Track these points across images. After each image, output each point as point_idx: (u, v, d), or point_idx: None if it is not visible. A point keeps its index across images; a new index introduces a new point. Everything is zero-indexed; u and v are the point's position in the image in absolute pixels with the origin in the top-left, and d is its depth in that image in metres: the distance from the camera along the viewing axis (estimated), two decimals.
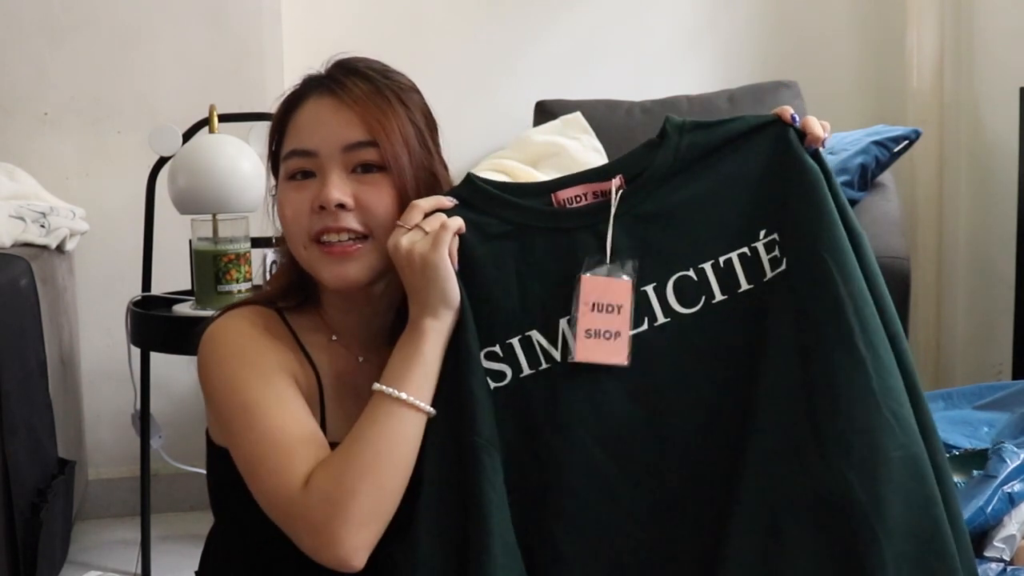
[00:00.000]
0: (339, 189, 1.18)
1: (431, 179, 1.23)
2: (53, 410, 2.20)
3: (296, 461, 1.13)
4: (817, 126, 1.16)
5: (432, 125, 1.26)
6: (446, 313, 1.16)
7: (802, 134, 1.16)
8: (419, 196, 1.20)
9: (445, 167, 1.27)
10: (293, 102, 1.24)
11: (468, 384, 1.15)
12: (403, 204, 1.20)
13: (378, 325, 1.28)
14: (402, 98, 1.23)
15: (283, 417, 1.15)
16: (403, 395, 1.13)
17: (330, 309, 1.28)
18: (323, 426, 1.23)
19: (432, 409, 1.15)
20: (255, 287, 2.34)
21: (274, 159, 1.27)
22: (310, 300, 1.28)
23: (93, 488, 2.77)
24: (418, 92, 1.27)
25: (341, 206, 1.19)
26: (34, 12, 2.68)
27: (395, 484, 1.12)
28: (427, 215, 1.17)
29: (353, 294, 1.24)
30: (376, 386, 1.15)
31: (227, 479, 1.23)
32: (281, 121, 1.25)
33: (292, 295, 1.28)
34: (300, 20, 2.98)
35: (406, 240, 1.15)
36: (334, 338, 1.27)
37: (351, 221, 1.19)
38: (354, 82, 1.21)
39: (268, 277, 2.34)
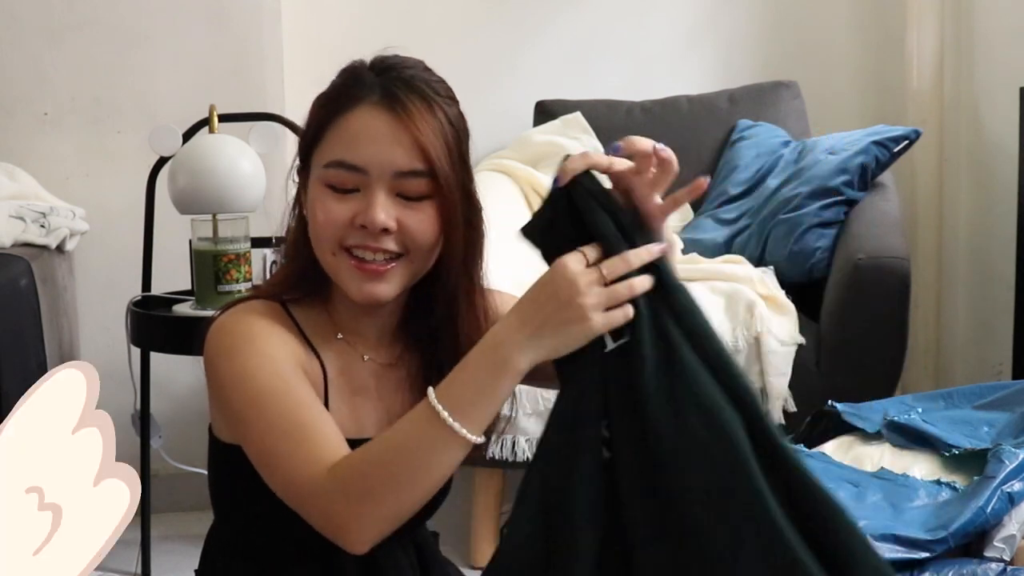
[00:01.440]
0: (386, 213, 1.15)
1: (467, 198, 1.21)
2: None
3: (312, 446, 1.10)
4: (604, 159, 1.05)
5: (467, 136, 1.23)
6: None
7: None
8: (462, 218, 1.18)
9: (473, 178, 1.24)
10: (342, 102, 1.19)
11: (578, 463, 1.03)
12: (446, 229, 1.17)
13: (386, 324, 1.27)
14: (450, 117, 1.20)
15: (296, 403, 1.13)
16: (457, 425, 1.05)
17: (340, 307, 1.25)
18: None
19: (482, 438, 1.08)
20: (255, 287, 2.34)
21: (307, 151, 1.23)
22: (316, 293, 1.25)
23: None
24: (456, 100, 1.23)
25: (384, 230, 1.16)
26: (34, 12, 2.68)
27: (418, 497, 1.09)
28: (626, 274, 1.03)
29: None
30: (432, 400, 1.07)
31: (230, 476, 1.23)
32: (324, 117, 1.20)
33: (299, 286, 1.25)
34: (300, 20, 2.98)
35: (590, 292, 1.03)
36: (339, 336, 1.26)
37: (390, 243, 1.16)
38: (412, 100, 1.17)
39: (268, 277, 2.34)
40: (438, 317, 1.24)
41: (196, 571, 1.33)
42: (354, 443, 1.20)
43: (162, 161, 2.39)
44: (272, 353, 1.16)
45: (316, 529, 1.10)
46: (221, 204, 2.22)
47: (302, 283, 1.25)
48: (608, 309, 1.03)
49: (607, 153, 1.06)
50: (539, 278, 1.07)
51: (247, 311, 1.21)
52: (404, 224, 1.16)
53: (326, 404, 1.22)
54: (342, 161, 1.17)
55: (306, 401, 1.14)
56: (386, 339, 1.28)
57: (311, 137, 1.22)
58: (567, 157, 1.05)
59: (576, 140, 2.98)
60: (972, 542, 1.26)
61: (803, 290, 2.44)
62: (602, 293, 1.02)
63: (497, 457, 2.22)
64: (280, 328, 1.20)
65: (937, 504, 1.38)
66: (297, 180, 1.26)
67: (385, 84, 1.18)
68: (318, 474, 1.08)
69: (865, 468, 1.56)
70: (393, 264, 1.17)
